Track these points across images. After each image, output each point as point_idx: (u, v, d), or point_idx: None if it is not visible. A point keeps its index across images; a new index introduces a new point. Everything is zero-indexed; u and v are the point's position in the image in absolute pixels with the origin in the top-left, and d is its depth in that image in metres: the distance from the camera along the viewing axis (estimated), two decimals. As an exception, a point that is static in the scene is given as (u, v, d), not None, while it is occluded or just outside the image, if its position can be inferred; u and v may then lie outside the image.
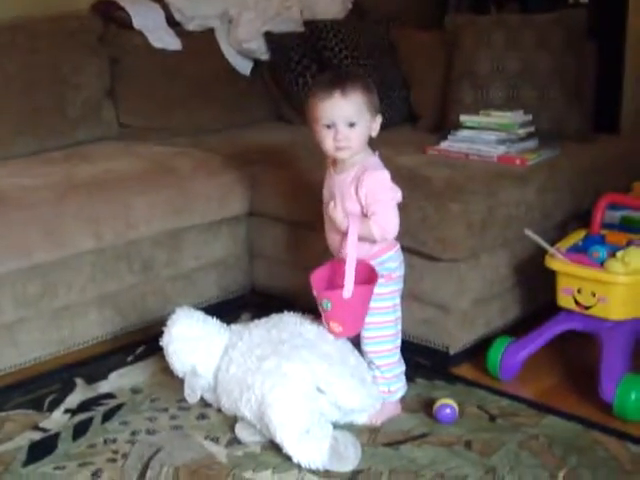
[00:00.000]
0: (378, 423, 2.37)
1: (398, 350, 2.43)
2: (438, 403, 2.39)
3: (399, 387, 2.44)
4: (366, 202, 2.26)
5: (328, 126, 2.26)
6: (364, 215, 2.27)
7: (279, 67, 3.81)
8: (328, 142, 2.27)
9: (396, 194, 2.29)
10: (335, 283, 2.32)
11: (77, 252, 2.75)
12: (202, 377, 2.40)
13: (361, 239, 2.25)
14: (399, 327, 2.43)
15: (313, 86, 2.35)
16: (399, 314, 2.42)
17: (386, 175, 2.28)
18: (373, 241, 2.28)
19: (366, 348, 2.39)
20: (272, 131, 3.70)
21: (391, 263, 2.36)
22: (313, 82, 2.39)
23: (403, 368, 2.45)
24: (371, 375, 2.38)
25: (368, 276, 2.29)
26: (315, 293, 2.31)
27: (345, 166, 2.31)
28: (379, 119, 2.31)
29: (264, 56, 3.88)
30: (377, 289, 2.31)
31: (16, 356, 2.73)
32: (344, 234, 2.28)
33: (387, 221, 2.26)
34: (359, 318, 2.33)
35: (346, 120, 2.24)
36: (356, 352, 2.39)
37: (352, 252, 2.22)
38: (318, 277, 2.35)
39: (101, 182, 2.86)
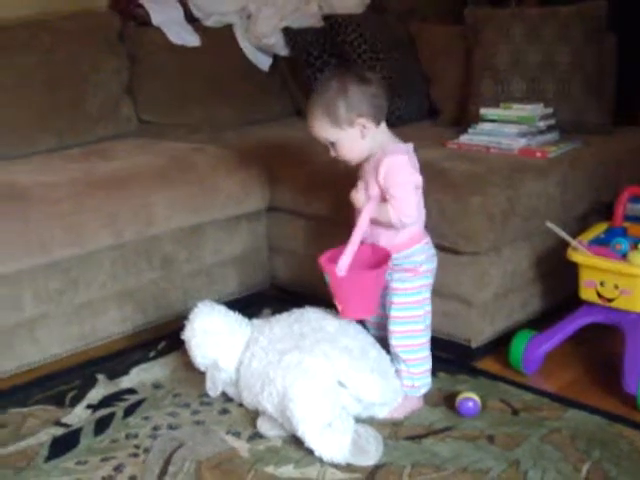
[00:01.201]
0: (400, 417, 2.36)
1: (427, 346, 2.41)
2: (460, 397, 2.37)
3: (424, 383, 2.42)
4: (384, 186, 2.26)
5: None
6: (383, 200, 2.28)
7: (298, 62, 3.80)
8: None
9: (412, 177, 2.28)
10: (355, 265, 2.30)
11: (97, 248, 2.76)
12: (224, 371, 2.40)
13: (381, 224, 2.29)
14: (428, 322, 2.40)
15: None
16: (428, 309, 2.40)
17: (403, 159, 2.28)
18: (391, 226, 2.28)
19: (393, 342, 2.37)
20: (291, 126, 3.69)
21: (417, 257, 2.34)
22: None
23: (430, 365, 2.43)
24: (394, 369, 2.37)
25: (383, 262, 2.29)
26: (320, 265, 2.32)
27: (370, 154, 2.33)
28: (361, 120, 2.27)
29: (283, 51, 3.88)
30: (403, 284, 2.33)
31: (37, 352, 2.74)
32: (371, 223, 2.30)
33: (404, 204, 2.25)
34: (361, 302, 2.30)
35: (325, 141, 2.33)
36: (377, 345, 2.38)
37: (359, 232, 2.26)
38: (331, 255, 2.33)
39: (120, 178, 2.87)
